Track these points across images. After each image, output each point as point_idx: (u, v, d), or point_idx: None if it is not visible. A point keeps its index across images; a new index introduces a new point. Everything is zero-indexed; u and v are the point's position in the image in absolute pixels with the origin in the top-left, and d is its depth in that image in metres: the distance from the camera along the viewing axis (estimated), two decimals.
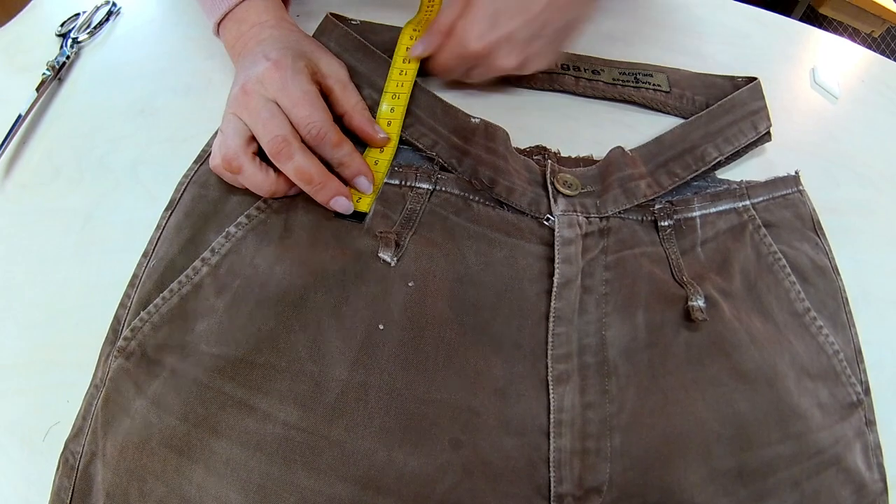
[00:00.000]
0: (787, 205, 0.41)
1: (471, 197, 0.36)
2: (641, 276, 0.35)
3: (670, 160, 0.39)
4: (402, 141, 0.38)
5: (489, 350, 0.31)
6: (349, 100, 0.37)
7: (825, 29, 0.57)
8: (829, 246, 0.41)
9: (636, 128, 0.43)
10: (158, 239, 0.33)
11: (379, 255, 0.32)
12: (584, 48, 0.46)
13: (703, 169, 0.39)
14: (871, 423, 0.36)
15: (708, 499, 0.30)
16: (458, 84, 0.43)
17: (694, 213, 0.38)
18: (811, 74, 0.53)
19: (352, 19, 0.44)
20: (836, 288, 0.39)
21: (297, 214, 0.33)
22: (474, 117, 0.38)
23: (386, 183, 0.36)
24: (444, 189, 0.36)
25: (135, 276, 0.32)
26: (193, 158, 0.37)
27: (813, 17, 1.27)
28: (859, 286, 0.40)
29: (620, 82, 0.44)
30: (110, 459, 0.27)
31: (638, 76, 0.44)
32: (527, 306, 0.33)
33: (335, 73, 0.37)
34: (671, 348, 0.33)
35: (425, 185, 0.36)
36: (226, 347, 0.29)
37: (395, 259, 0.32)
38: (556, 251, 0.34)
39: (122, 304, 0.31)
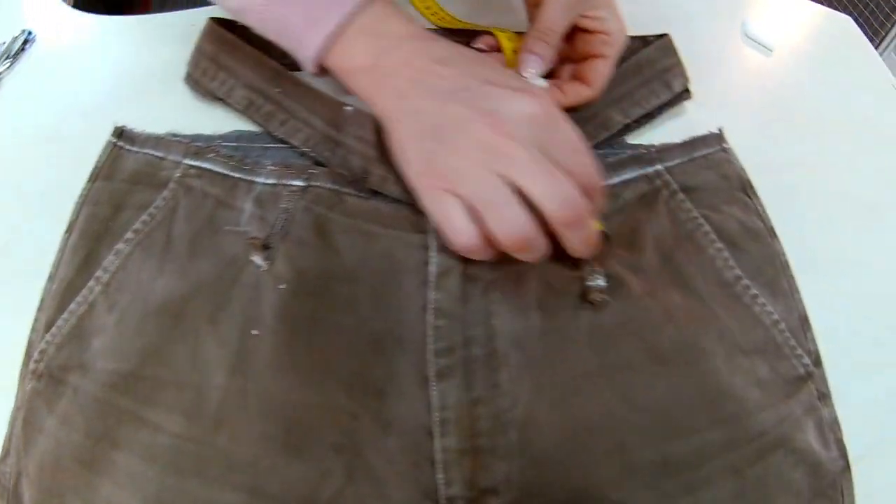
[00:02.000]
0: (709, 165, 0.37)
1: (344, 190, 0.34)
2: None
3: None
4: (276, 139, 0.37)
5: (367, 349, 0.30)
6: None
7: None
8: (762, 207, 0.37)
9: None
10: (59, 262, 0.33)
11: (251, 259, 0.31)
12: (478, 19, 0.43)
13: (604, 136, 0.36)
14: (824, 396, 0.33)
15: (627, 495, 0.28)
16: None
17: None
18: (741, 28, 0.49)
19: (235, 22, 0.41)
20: (772, 252, 0.35)
21: (178, 225, 0.33)
22: (347, 105, 0.36)
23: (262, 183, 0.35)
24: (316, 184, 0.35)
25: (42, 300, 0.33)
26: None
27: None
28: (804, 248, 0.37)
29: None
30: (33, 478, 0.28)
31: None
32: (407, 300, 0.31)
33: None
34: (570, 334, 0.31)
35: (298, 183, 0.34)
36: (117, 363, 0.29)
37: (266, 263, 0.31)
38: (430, 240, 0.32)
39: (33, 329, 0.32)
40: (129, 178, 0.35)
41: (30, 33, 0.47)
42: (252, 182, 0.35)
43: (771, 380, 0.31)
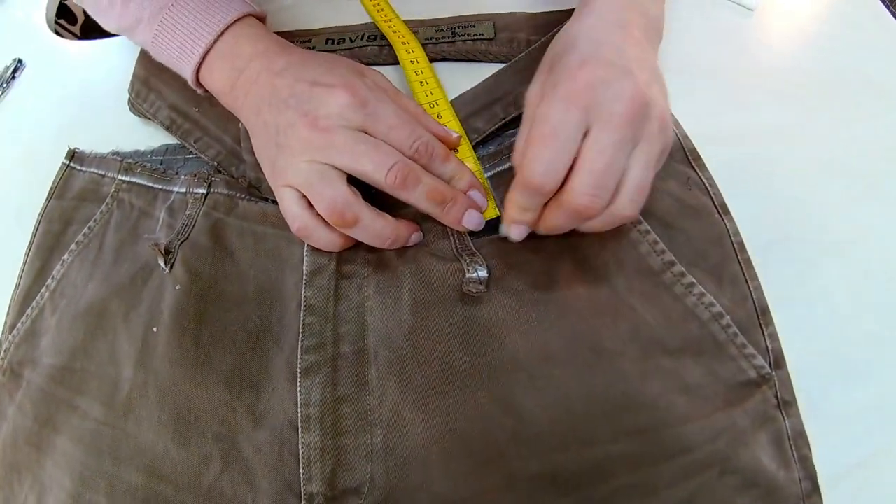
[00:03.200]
0: None
1: (238, 195, 0.36)
2: (409, 254, 0.31)
3: (471, 115, 0.34)
4: (189, 151, 0.39)
5: (247, 345, 0.31)
6: (410, 106, 0.33)
7: None
8: (710, 180, 0.32)
9: (459, 83, 0.36)
10: (22, 273, 0.37)
11: (158, 262, 0.33)
12: (411, 10, 0.41)
13: (513, 115, 0.32)
14: (786, 404, 0.28)
15: None
16: None
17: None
18: None
19: None
20: (719, 231, 0.30)
21: (109, 235, 0.36)
22: None
23: (175, 192, 0.37)
24: (216, 191, 0.36)
25: (9, 306, 0.37)
26: None
27: None
28: (780, 227, 0.32)
29: (433, 40, 0.38)
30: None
31: (456, 30, 0.38)
32: (286, 297, 0.32)
33: (383, 81, 0.33)
34: (442, 330, 0.29)
35: (200, 190, 0.36)
36: (55, 357, 0.32)
37: (167, 266, 0.33)
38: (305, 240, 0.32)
39: (2, 332, 0.36)
40: (76, 196, 0.39)
41: (20, 62, 0.51)
42: (168, 191, 0.37)
43: (705, 385, 0.27)
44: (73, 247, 0.36)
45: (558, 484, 0.25)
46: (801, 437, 0.27)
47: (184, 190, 0.37)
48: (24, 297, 0.36)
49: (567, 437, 0.26)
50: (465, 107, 0.35)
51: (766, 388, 0.27)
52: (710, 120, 0.35)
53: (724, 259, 0.30)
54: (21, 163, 0.44)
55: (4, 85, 0.50)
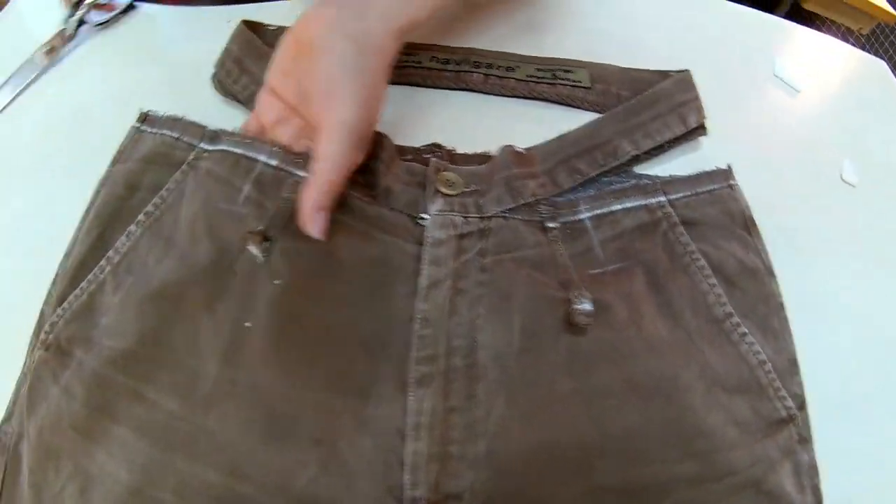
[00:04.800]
0: (713, 201, 0.37)
1: (349, 191, 0.34)
2: (519, 278, 0.33)
3: (574, 157, 0.37)
4: None
5: (353, 350, 0.31)
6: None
7: (811, 26, 0.53)
8: (762, 245, 0.37)
9: (552, 125, 0.41)
10: (75, 240, 0.35)
11: (248, 248, 0.32)
12: (503, 43, 0.44)
13: (612, 165, 0.37)
14: (804, 440, 0.32)
15: None
16: None
17: (580, 216, 0.36)
18: (772, 66, 0.49)
19: (269, 25, 0.44)
20: (768, 292, 0.36)
21: (185, 207, 0.34)
22: None
23: (264, 163, 0.34)
24: None
25: (56, 274, 0.34)
26: None
27: (799, 14, 1.20)
28: (807, 291, 0.37)
29: (535, 79, 0.42)
30: (32, 440, 0.30)
31: (556, 72, 0.42)
32: (396, 306, 0.32)
33: None
34: (548, 355, 0.31)
35: (303, 174, 0.34)
36: (118, 341, 0.30)
37: (262, 255, 0.32)
38: (424, 252, 0.33)
39: (46, 301, 0.34)
40: (143, 158, 0.36)
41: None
42: (254, 160, 0.34)
43: (749, 419, 0.31)
44: (141, 217, 0.33)
45: (630, 495, 0.29)
46: (813, 469, 0.32)
47: (274, 163, 0.34)
48: (78, 268, 0.33)
49: (643, 455, 0.29)
50: (569, 147, 0.38)
51: (791, 425, 0.32)
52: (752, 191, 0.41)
53: (769, 315, 0.35)
54: (76, 121, 0.42)
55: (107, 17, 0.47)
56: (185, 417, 0.29)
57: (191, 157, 0.35)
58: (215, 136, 0.36)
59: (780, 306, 0.36)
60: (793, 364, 0.34)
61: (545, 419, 0.30)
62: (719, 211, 0.37)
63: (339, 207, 0.34)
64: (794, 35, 0.53)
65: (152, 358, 0.30)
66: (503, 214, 0.35)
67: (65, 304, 0.32)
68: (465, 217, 0.34)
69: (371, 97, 0.34)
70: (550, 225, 0.35)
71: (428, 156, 0.37)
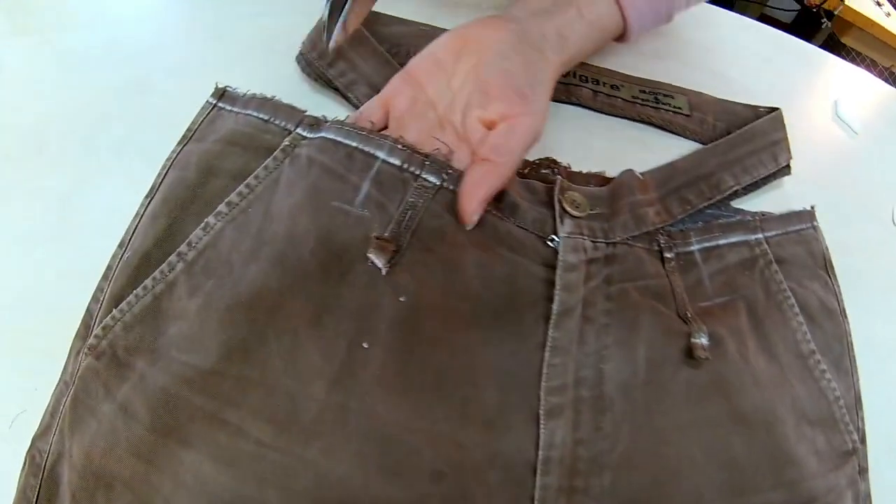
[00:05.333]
0: (800, 241, 0.39)
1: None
2: (644, 308, 0.33)
3: (683, 186, 0.38)
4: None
5: (481, 377, 0.29)
6: None
7: (844, 58, 0.56)
8: (838, 287, 0.40)
9: (653, 148, 0.41)
10: (135, 229, 0.30)
11: (369, 256, 0.28)
12: (604, 59, 0.44)
13: (717, 198, 0.38)
14: (863, 471, 0.35)
15: None
16: None
17: (691, 248, 0.36)
18: (833, 106, 0.51)
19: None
20: (842, 331, 0.38)
21: (280, 201, 0.29)
22: None
23: (384, 161, 0.31)
24: (452, 188, 0.32)
25: (109, 268, 0.30)
26: None
27: (834, 46, 1.26)
28: (864, 331, 0.39)
29: (640, 101, 0.42)
30: (76, 462, 0.26)
31: (658, 96, 0.42)
32: (524, 331, 0.31)
33: None
34: (670, 386, 0.32)
35: (433, 179, 0.32)
36: (196, 355, 0.26)
37: (386, 266, 0.28)
38: (557, 277, 0.32)
39: (94, 298, 0.29)
40: (224, 139, 0.32)
41: None
42: (372, 155, 0.31)
43: (825, 451, 0.33)
44: (222, 208, 0.29)
45: None
46: (868, 499, 0.34)
47: (397, 162, 0.31)
48: (141, 263, 0.29)
49: (743, 485, 0.30)
50: (679, 177, 0.38)
51: (855, 457, 0.34)
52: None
53: (842, 353, 0.37)
54: (127, 90, 0.38)
55: None
56: (281, 448, 0.25)
57: (285, 142, 0.32)
58: (316, 122, 0.33)
59: (850, 346, 0.38)
60: (858, 400, 0.37)
61: (665, 451, 0.30)
62: (805, 251, 0.39)
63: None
64: (852, 76, 0.55)
65: (240, 377, 0.26)
66: (627, 241, 0.35)
67: (123, 306, 0.28)
68: (594, 242, 0.34)
69: (547, 109, 0.34)
70: (668, 255, 0.35)
71: (545, 171, 0.37)
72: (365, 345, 0.27)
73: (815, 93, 0.52)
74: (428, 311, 0.29)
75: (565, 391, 0.30)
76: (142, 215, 0.31)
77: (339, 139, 0.32)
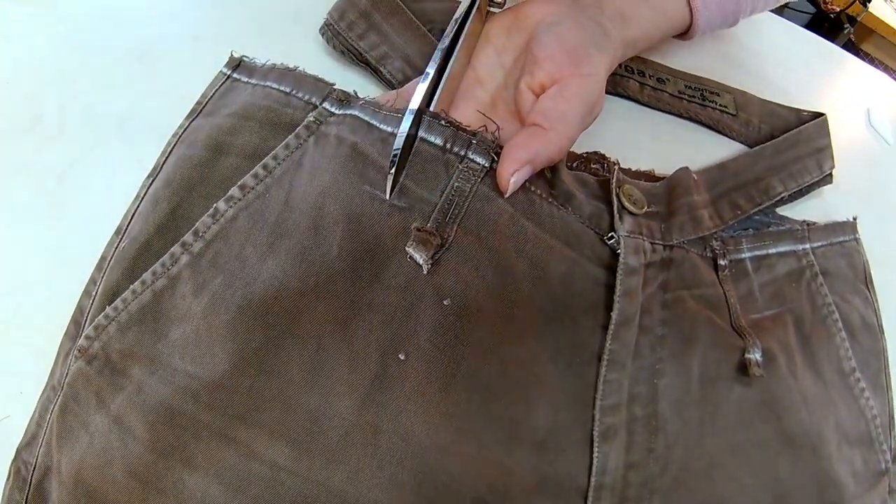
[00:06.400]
0: (843, 253, 0.38)
1: (532, 188, 0.29)
2: (700, 319, 0.31)
3: (733, 190, 0.36)
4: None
5: (533, 393, 0.26)
6: None
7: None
8: (878, 302, 0.39)
9: (701, 148, 0.39)
10: (134, 213, 0.27)
11: (407, 250, 0.25)
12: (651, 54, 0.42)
13: (766, 204, 0.36)
14: (892, 491, 0.34)
15: None
16: None
17: (743, 255, 0.34)
18: (866, 115, 0.50)
19: None
20: (880, 348, 0.37)
21: (302, 186, 0.26)
22: None
23: (422, 139, 0.27)
24: None
25: (103, 258, 0.26)
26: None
27: (853, 52, 1.27)
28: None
29: (686, 97, 0.40)
30: (66, 479, 0.23)
31: (705, 93, 0.40)
32: (579, 341, 0.28)
33: None
34: (723, 405, 0.30)
35: (481, 160, 0.27)
36: (202, 364, 0.23)
37: (429, 263, 0.25)
38: (618, 281, 0.29)
39: (86, 292, 0.26)
40: (237, 113, 0.28)
41: None
42: (406, 135, 0.27)
43: (862, 471, 0.32)
44: (234, 192, 0.26)
45: None
46: None
47: (439, 142, 0.27)
48: (140, 253, 0.25)
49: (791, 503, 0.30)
50: (729, 180, 0.36)
51: (886, 477, 0.33)
52: None
53: (879, 371, 0.36)
54: (134, 58, 0.34)
55: None
56: (300, 472, 0.23)
57: (310, 118, 0.28)
58: (346, 98, 0.29)
59: (887, 363, 0.37)
60: (891, 419, 0.36)
61: (717, 473, 0.29)
62: (847, 264, 0.38)
63: (520, 205, 0.28)
64: (883, 83, 0.54)
65: (253, 391, 0.23)
66: (683, 245, 0.32)
67: (117, 303, 0.24)
68: (652, 244, 0.31)
69: (604, 79, 0.31)
70: (722, 262, 0.33)
71: (595, 166, 0.35)
72: (401, 356, 0.24)
73: (849, 99, 0.51)
74: (475, 317, 0.26)
75: (619, 410, 0.28)
76: (142, 198, 0.27)
77: (372, 120, 0.28)
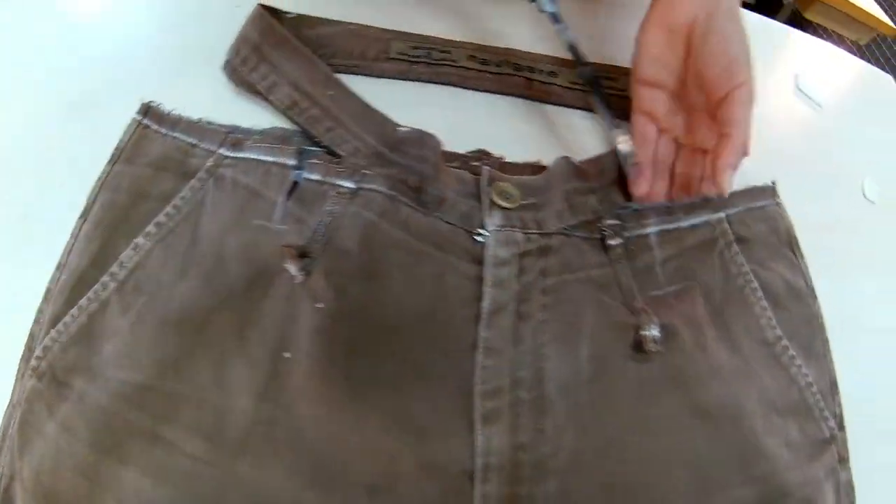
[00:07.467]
0: (763, 218, 0.37)
1: (400, 198, 0.32)
2: (586, 301, 0.31)
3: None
4: (320, 145, 0.34)
5: (410, 383, 0.28)
6: None
7: (810, 34, 0.54)
8: (806, 266, 0.37)
9: (599, 134, 0.39)
10: (70, 250, 0.30)
11: (285, 265, 0.28)
12: (542, 44, 0.42)
13: None
14: (843, 460, 0.33)
15: None
16: (394, 86, 0.39)
17: (647, 230, 0.34)
18: (794, 80, 0.49)
19: (287, 12, 0.40)
20: (811, 313, 0.35)
21: (205, 221, 0.30)
22: (402, 126, 0.35)
23: (306, 179, 0.32)
24: (370, 187, 0.32)
25: (48, 290, 0.30)
26: None
27: (798, 22, 1.24)
28: (838, 312, 0.37)
29: (580, 86, 0.40)
30: (27, 483, 0.26)
31: (600, 79, 0.40)
32: (454, 333, 0.29)
33: None
34: (619, 383, 0.30)
35: (348, 185, 0.32)
36: (131, 372, 0.27)
37: (302, 274, 0.28)
38: (486, 273, 0.30)
39: (36, 321, 0.29)
40: (153, 163, 0.32)
41: None
42: (285, 166, 0.32)
43: (799, 441, 0.31)
44: (151, 229, 0.29)
45: None
46: (850, 488, 0.32)
47: (318, 178, 0.31)
48: (76, 284, 0.29)
49: (711, 483, 0.28)
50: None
51: (833, 445, 0.32)
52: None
53: (812, 337, 0.34)
54: (68, 109, 0.36)
55: None
56: (213, 462, 0.25)
57: (209, 163, 0.32)
58: (238, 141, 0.33)
59: (822, 328, 0.36)
60: (833, 385, 0.34)
61: (617, 453, 0.29)
62: (768, 229, 0.37)
63: (387, 215, 0.31)
64: (813, 48, 0.53)
65: (172, 393, 0.26)
66: (564, 231, 0.32)
67: (60, 326, 0.28)
68: (526, 234, 0.32)
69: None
70: (612, 243, 0.33)
71: (476, 164, 0.35)
72: (287, 354, 0.27)
73: (775, 68, 0.50)
74: (348, 318, 0.28)
75: (501, 394, 0.29)
76: (76, 237, 0.31)
77: (259, 158, 0.32)
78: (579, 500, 0.28)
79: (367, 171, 0.32)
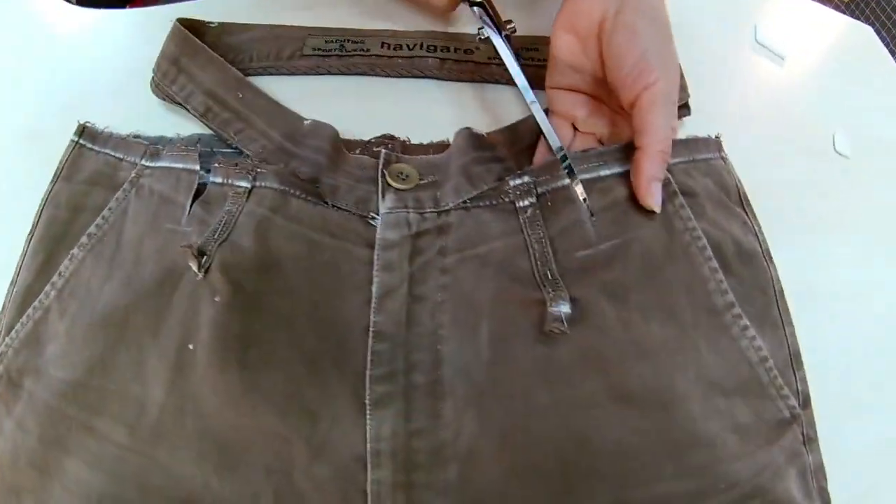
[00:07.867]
0: (708, 172, 0.34)
1: (291, 192, 0.32)
2: (486, 278, 0.30)
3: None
4: (230, 146, 0.35)
5: (302, 370, 0.28)
6: None
7: None
8: (759, 226, 0.33)
9: (516, 106, 0.37)
10: (21, 266, 0.33)
11: (189, 265, 0.30)
12: (459, 24, 0.41)
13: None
14: (810, 440, 0.29)
15: None
16: (309, 82, 0.39)
17: (566, 181, 0.31)
18: (753, 32, 0.45)
19: (210, 22, 0.40)
20: (766, 278, 0.32)
21: (128, 228, 0.32)
22: (307, 119, 0.35)
23: (211, 182, 0.33)
24: (262, 184, 0.32)
25: (3, 304, 0.33)
26: None
27: None
28: (802, 279, 0.33)
29: (498, 61, 0.38)
30: None
31: (520, 52, 0.38)
32: (349, 319, 0.29)
33: None
34: (523, 365, 0.28)
35: (243, 184, 0.32)
36: (67, 371, 0.29)
37: (201, 272, 0.29)
38: (375, 257, 0.30)
39: None
40: (87, 180, 0.35)
41: None
42: (192, 172, 0.33)
43: (752, 424, 0.28)
44: (83, 240, 0.32)
45: None
46: (820, 470, 0.29)
47: (220, 180, 0.33)
48: (25, 295, 0.31)
49: (637, 474, 0.26)
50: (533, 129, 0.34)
51: (795, 426, 0.29)
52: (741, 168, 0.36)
53: (768, 304, 0.31)
54: (19, 138, 0.38)
55: None
56: (136, 449, 0.28)
57: (132, 174, 0.34)
58: (156, 151, 0.35)
59: (780, 294, 0.32)
60: (796, 358, 0.31)
61: (521, 438, 0.27)
62: (715, 183, 0.34)
63: (279, 210, 0.31)
64: None
65: (100, 388, 0.29)
66: (464, 205, 0.31)
67: (12, 334, 0.31)
68: (421, 213, 0.30)
69: (677, 68, 0.33)
70: (522, 204, 0.31)
71: (379, 148, 0.33)
72: (190, 346, 0.28)
73: (731, 20, 0.47)
74: (242, 310, 0.29)
75: (394, 378, 0.28)
76: (26, 252, 0.33)
77: (171, 165, 0.34)
78: (482, 488, 0.26)
79: (262, 170, 0.33)
